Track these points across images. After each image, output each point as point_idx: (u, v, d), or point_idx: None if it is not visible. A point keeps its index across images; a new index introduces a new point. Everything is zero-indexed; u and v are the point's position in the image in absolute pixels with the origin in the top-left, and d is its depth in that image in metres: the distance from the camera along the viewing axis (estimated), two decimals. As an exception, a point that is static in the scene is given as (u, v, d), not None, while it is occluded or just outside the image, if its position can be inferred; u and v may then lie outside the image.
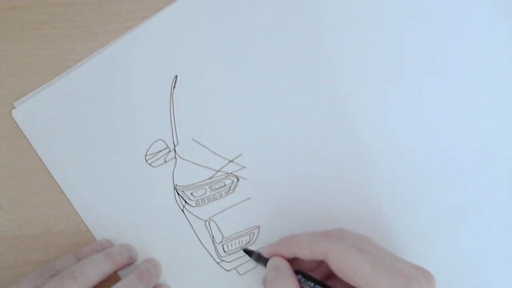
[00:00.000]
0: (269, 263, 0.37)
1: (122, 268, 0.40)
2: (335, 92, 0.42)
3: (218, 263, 0.42)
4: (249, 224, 0.42)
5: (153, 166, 0.42)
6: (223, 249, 0.42)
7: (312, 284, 0.36)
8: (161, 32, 0.42)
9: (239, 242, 0.42)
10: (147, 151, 0.42)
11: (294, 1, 0.42)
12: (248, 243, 0.42)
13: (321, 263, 0.38)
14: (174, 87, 0.42)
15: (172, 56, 0.42)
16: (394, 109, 0.42)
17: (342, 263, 0.34)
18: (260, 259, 0.39)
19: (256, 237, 0.42)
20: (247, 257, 0.42)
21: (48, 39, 0.42)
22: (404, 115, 0.42)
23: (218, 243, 0.42)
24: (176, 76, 0.42)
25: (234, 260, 0.42)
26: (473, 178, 0.42)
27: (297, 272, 0.37)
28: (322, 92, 0.42)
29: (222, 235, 0.42)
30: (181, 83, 0.42)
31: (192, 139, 0.42)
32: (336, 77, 0.42)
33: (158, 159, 0.42)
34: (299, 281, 0.36)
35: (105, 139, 0.41)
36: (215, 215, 0.42)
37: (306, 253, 0.36)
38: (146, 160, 0.42)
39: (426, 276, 0.34)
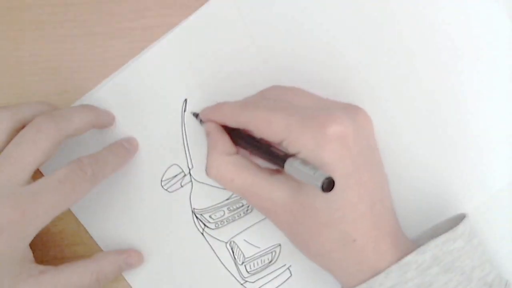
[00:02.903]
0: (204, 129, 0.39)
1: (104, 123, 0.41)
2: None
3: (241, 284, 0.42)
4: (270, 243, 0.42)
5: (169, 192, 0.42)
6: (246, 270, 0.42)
7: (244, 141, 0.37)
8: (169, 55, 0.42)
9: (261, 262, 0.42)
10: (162, 177, 0.42)
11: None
12: (270, 261, 0.42)
13: None
14: (184, 111, 0.42)
15: (182, 79, 0.42)
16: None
17: (258, 127, 0.35)
18: (202, 122, 0.40)
19: (278, 255, 0.42)
20: (270, 276, 0.42)
21: (48, 39, 0.42)
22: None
23: (240, 264, 0.42)
24: (186, 100, 0.42)
25: (257, 280, 0.42)
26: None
27: (231, 130, 0.38)
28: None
29: (244, 256, 0.42)
30: (192, 106, 0.42)
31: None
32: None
33: (174, 183, 0.42)
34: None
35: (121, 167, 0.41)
36: (235, 236, 0.42)
37: (231, 122, 0.37)
38: (162, 186, 0.42)
39: (351, 112, 0.35)
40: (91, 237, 0.42)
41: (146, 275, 0.42)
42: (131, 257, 0.40)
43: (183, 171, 0.42)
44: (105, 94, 0.42)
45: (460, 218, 0.37)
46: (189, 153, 0.42)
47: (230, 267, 0.42)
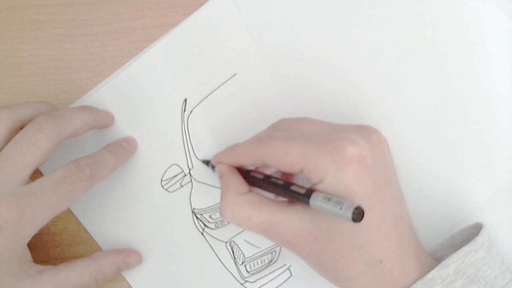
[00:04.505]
0: (217, 173, 0.38)
1: (103, 124, 0.40)
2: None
3: (241, 284, 0.42)
4: (270, 243, 0.42)
5: (169, 192, 0.42)
6: (246, 270, 0.42)
7: (261, 182, 0.36)
8: (169, 55, 0.42)
9: (261, 261, 0.42)
10: (162, 177, 0.42)
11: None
12: (270, 261, 0.42)
13: None
14: (184, 111, 0.42)
15: (182, 79, 0.42)
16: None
17: (277, 160, 0.34)
18: (214, 167, 0.40)
19: (278, 255, 0.42)
20: (270, 276, 0.42)
21: (48, 39, 0.42)
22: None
23: (240, 264, 0.42)
24: (186, 100, 0.42)
25: (257, 280, 0.42)
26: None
27: (245, 171, 0.37)
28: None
29: (244, 256, 0.42)
30: (192, 106, 0.42)
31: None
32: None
33: (174, 183, 0.42)
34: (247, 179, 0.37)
35: (119, 167, 0.41)
36: (235, 236, 0.42)
37: (247, 162, 0.37)
38: (162, 186, 0.42)
39: (364, 133, 0.34)
40: (91, 237, 0.42)
41: (146, 275, 0.42)
42: (129, 256, 0.40)
43: (183, 171, 0.42)
44: (105, 94, 0.42)
45: (475, 228, 0.37)
46: (189, 153, 0.42)
47: (230, 267, 0.42)
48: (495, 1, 0.42)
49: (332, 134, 0.34)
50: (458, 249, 0.35)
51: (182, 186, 0.42)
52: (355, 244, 0.33)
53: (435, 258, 0.37)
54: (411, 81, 0.42)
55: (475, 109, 0.42)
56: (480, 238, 0.35)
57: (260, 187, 0.37)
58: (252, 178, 0.37)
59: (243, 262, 0.42)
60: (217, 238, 0.42)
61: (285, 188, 0.35)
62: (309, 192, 0.33)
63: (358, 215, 0.30)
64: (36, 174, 0.39)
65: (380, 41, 0.42)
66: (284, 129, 0.37)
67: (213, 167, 0.40)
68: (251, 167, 0.38)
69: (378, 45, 0.42)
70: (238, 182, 0.37)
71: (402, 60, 0.42)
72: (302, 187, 0.34)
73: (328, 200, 0.31)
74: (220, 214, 0.36)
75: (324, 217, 0.33)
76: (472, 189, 0.41)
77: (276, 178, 0.36)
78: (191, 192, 0.42)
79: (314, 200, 0.32)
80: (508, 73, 0.42)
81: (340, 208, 0.30)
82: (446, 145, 0.41)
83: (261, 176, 0.37)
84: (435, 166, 0.41)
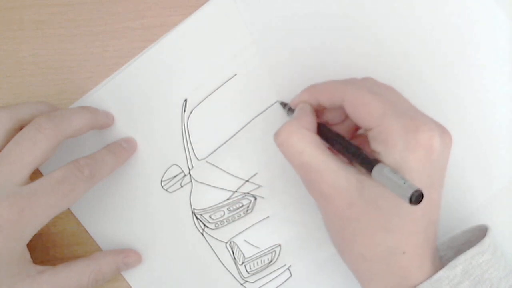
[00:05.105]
0: (296, 109, 0.37)
1: (103, 124, 0.40)
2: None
3: (241, 284, 0.42)
4: (270, 243, 0.42)
5: (169, 192, 0.42)
6: (246, 270, 0.42)
7: (333, 137, 0.36)
8: (169, 55, 0.42)
9: (261, 262, 0.42)
10: (162, 177, 0.42)
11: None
12: (270, 262, 0.42)
13: (345, 120, 0.38)
14: (184, 111, 0.42)
15: (182, 79, 0.42)
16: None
17: (356, 104, 0.34)
18: (291, 110, 0.39)
19: (278, 255, 0.42)
20: (270, 276, 0.42)
21: (48, 39, 0.42)
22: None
23: (240, 264, 0.42)
24: (186, 100, 0.42)
25: (257, 280, 0.42)
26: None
27: (321, 125, 0.37)
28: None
29: (244, 256, 0.42)
30: (192, 106, 0.42)
31: (207, 161, 0.42)
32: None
33: (174, 184, 0.42)
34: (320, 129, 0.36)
35: (119, 167, 0.41)
36: (235, 236, 0.42)
37: (326, 99, 0.36)
38: (162, 186, 0.42)
39: (441, 129, 0.34)
40: (91, 237, 0.42)
41: (146, 275, 0.42)
42: (129, 257, 0.40)
43: (183, 171, 0.42)
44: (104, 94, 0.42)
45: (478, 230, 0.37)
46: (189, 153, 0.42)
47: (230, 267, 0.42)
48: (496, 1, 0.42)
49: (413, 112, 0.34)
50: (459, 250, 0.35)
51: (182, 186, 0.42)
52: (387, 226, 0.33)
53: None
54: (411, 81, 0.42)
55: (475, 110, 0.42)
56: (487, 240, 0.35)
57: (331, 143, 0.36)
58: (326, 132, 0.36)
59: (243, 263, 0.42)
60: (217, 239, 0.42)
61: (355, 150, 0.34)
62: (376, 161, 0.32)
63: (418, 198, 0.29)
64: (36, 174, 0.39)
65: (380, 40, 0.42)
66: (371, 84, 0.36)
67: (289, 111, 0.39)
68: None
69: (378, 44, 0.42)
70: (310, 121, 0.36)
71: (401, 60, 0.42)
72: (371, 154, 0.34)
73: (394, 173, 0.31)
74: (274, 136, 0.35)
75: (370, 188, 0.33)
76: (471, 190, 0.41)
77: (348, 140, 0.35)
78: (191, 192, 0.42)
79: (380, 168, 0.32)
80: (508, 74, 0.42)
81: (404, 183, 0.30)
82: None
83: (335, 133, 0.36)
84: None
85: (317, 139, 0.35)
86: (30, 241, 0.36)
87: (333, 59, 0.42)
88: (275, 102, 0.42)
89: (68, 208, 0.42)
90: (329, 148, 0.36)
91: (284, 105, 0.41)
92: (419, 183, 0.32)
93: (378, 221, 0.33)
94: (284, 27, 0.42)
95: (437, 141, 0.32)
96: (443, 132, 0.34)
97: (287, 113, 0.40)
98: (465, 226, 0.39)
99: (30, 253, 0.37)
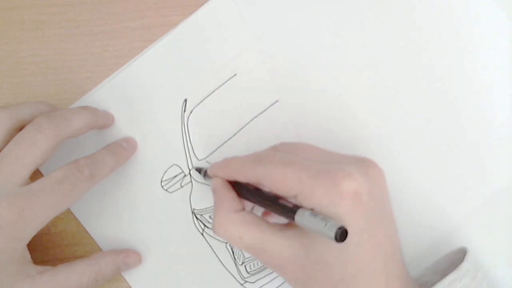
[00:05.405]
0: (211, 186, 0.38)
1: (103, 124, 0.40)
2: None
3: (241, 284, 0.42)
4: None
5: (169, 192, 0.42)
6: (246, 270, 0.42)
7: (251, 195, 0.36)
8: (169, 55, 0.42)
9: (261, 262, 0.42)
10: (162, 177, 0.42)
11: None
12: None
13: None
14: (184, 111, 0.42)
15: (182, 79, 0.42)
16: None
17: (272, 182, 0.34)
18: (207, 175, 0.39)
19: None
20: (270, 276, 0.42)
21: (48, 39, 0.42)
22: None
23: (240, 265, 0.42)
24: (185, 100, 0.42)
25: (257, 280, 0.42)
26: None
27: (237, 184, 0.37)
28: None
29: (244, 256, 0.42)
30: (192, 106, 0.42)
31: (207, 161, 0.42)
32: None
33: (174, 184, 0.42)
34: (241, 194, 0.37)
35: (119, 167, 0.41)
36: None
37: (242, 179, 0.36)
38: (162, 186, 0.42)
39: (363, 167, 0.34)
40: (91, 237, 0.42)
41: (146, 275, 0.42)
42: (129, 257, 0.40)
43: (183, 171, 0.42)
44: (104, 94, 0.42)
45: (461, 252, 0.37)
46: (189, 153, 0.42)
47: (230, 267, 0.42)
48: (496, 1, 0.42)
49: (329, 164, 0.34)
50: (444, 274, 0.35)
51: (182, 186, 0.42)
52: (342, 277, 0.33)
53: (420, 284, 0.37)
54: (410, 81, 0.42)
55: (475, 110, 0.42)
56: (465, 265, 0.35)
57: (248, 198, 0.37)
58: (242, 188, 0.37)
59: (243, 263, 0.42)
60: (217, 239, 0.42)
61: (273, 201, 0.34)
62: (296, 207, 0.33)
63: (342, 234, 0.29)
64: (36, 174, 0.39)
65: (380, 42, 0.42)
66: (283, 152, 0.36)
67: (205, 175, 0.40)
68: None
69: (378, 45, 0.42)
70: (232, 199, 0.36)
71: (401, 60, 0.42)
72: (290, 202, 0.34)
73: (314, 216, 0.31)
74: (213, 231, 0.36)
75: (314, 246, 0.33)
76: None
77: (265, 192, 0.36)
78: (191, 192, 0.42)
79: (300, 215, 0.32)
80: (508, 74, 0.42)
81: (325, 225, 0.30)
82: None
83: (251, 187, 0.36)
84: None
85: (247, 216, 0.35)
86: (30, 241, 0.36)
87: (333, 58, 0.42)
88: (275, 102, 0.42)
89: (68, 208, 0.42)
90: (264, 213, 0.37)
91: (199, 170, 0.41)
92: (356, 227, 0.32)
93: (333, 277, 0.33)
94: (284, 27, 0.42)
95: (361, 184, 0.32)
96: (367, 168, 0.34)
97: (204, 177, 0.40)
98: (462, 228, 0.39)
99: (30, 253, 0.37)
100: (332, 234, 0.29)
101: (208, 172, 0.39)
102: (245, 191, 0.37)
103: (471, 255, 0.36)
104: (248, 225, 0.35)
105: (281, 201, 0.34)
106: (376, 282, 0.33)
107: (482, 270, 0.36)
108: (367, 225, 0.32)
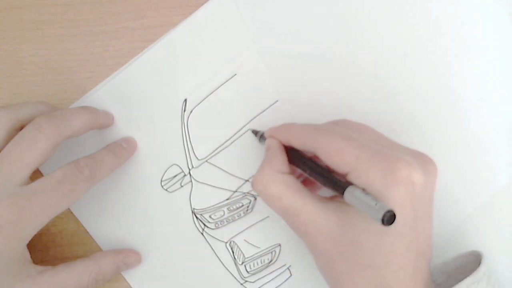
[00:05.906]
0: (265, 144, 0.38)
1: (103, 124, 0.41)
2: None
3: (241, 284, 0.42)
4: (270, 243, 0.42)
5: (169, 192, 0.42)
6: (246, 270, 0.42)
7: (303, 163, 0.36)
8: (169, 55, 0.42)
9: (261, 262, 0.42)
10: (162, 177, 0.42)
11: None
12: (270, 261, 0.42)
13: None
14: (184, 111, 0.42)
15: (182, 79, 0.42)
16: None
17: (328, 153, 0.34)
18: (262, 138, 0.39)
19: (278, 255, 0.42)
20: (270, 276, 0.42)
21: (48, 39, 0.42)
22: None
23: (240, 264, 0.42)
24: (185, 100, 0.42)
25: (257, 280, 0.42)
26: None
27: (291, 150, 0.37)
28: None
29: (244, 256, 0.42)
30: (192, 106, 0.42)
31: (207, 161, 0.42)
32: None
33: (174, 184, 0.42)
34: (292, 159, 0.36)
35: (119, 167, 0.41)
36: (235, 236, 0.42)
37: (298, 144, 0.36)
38: (162, 186, 0.42)
39: (421, 160, 0.33)
40: (91, 237, 0.42)
41: (146, 275, 0.42)
42: (129, 256, 0.40)
43: (183, 171, 0.42)
44: (104, 94, 0.42)
45: (470, 255, 0.37)
46: (189, 153, 0.42)
47: (230, 267, 0.42)
48: (496, 1, 0.42)
49: (389, 149, 0.33)
50: (451, 275, 0.35)
51: (182, 186, 0.42)
52: (371, 262, 0.33)
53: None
54: (410, 81, 0.42)
55: (475, 110, 0.42)
56: (482, 268, 0.34)
57: (299, 166, 0.36)
58: (295, 155, 0.36)
59: (243, 262, 0.42)
60: (217, 238, 0.42)
61: (325, 172, 0.34)
62: (348, 183, 0.32)
63: (390, 218, 0.29)
64: (36, 174, 0.39)
65: (380, 41, 0.42)
66: (344, 128, 0.36)
67: (260, 138, 0.39)
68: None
69: (378, 45, 0.42)
70: (282, 161, 0.36)
71: (401, 60, 0.42)
72: (342, 177, 0.33)
73: (366, 195, 0.31)
74: (251, 185, 0.36)
75: (351, 226, 0.33)
76: (465, 194, 0.42)
77: (318, 163, 0.35)
78: (191, 192, 0.42)
79: (351, 191, 0.31)
80: (508, 74, 0.42)
81: (375, 204, 0.29)
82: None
83: (304, 158, 0.36)
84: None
85: (292, 180, 0.35)
86: (30, 241, 0.36)
87: (333, 58, 0.42)
88: (275, 102, 0.42)
89: (68, 208, 0.42)
90: (304, 181, 0.36)
91: (255, 133, 0.41)
92: (401, 216, 0.31)
93: (363, 259, 0.33)
94: (284, 27, 0.42)
95: (417, 175, 0.32)
96: (425, 163, 0.34)
97: (259, 140, 0.40)
98: (463, 228, 0.39)
99: (30, 253, 0.37)
100: (380, 216, 0.29)
101: (266, 134, 0.38)
102: (298, 158, 0.36)
103: (487, 259, 0.36)
104: (291, 189, 0.35)
105: (333, 174, 0.34)
106: (404, 274, 0.33)
107: (495, 274, 0.36)
108: (412, 218, 0.32)
